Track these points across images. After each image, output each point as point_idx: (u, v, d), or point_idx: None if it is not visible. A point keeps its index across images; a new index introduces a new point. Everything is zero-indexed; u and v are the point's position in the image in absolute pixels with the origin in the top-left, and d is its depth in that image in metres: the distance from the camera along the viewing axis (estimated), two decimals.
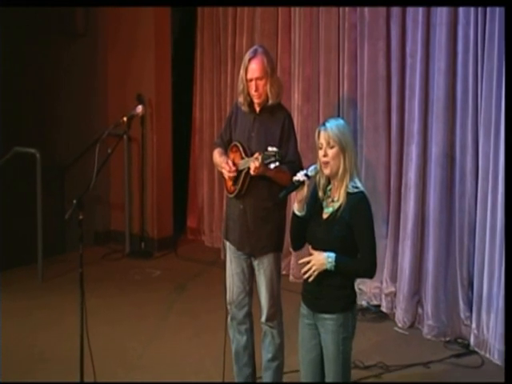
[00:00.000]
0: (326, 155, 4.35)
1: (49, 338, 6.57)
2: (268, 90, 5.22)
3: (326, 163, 4.35)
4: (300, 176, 4.44)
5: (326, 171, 4.37)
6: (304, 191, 4.43)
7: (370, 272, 4.42)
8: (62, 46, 8.52)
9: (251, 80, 5.23)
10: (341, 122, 4.44)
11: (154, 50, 8.39)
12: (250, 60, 5.24)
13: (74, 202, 5.13)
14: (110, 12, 8.50)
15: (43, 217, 7.73)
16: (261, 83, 5.22)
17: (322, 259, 4.31)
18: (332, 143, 4.34)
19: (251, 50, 5.32)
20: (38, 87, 8.46)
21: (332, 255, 4.30)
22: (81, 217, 5.14)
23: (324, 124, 4.40)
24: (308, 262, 4.36)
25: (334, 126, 4.37)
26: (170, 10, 8.47)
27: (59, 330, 6.63)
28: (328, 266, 4.30)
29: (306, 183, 4.43)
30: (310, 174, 4.43)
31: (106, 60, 8.61)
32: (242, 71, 5.28)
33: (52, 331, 6.69)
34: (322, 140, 4.36)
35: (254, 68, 5.22)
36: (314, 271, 4.33)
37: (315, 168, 4.45)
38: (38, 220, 7.72)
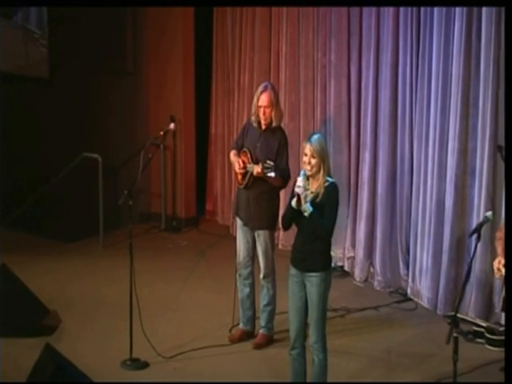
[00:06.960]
0: (310, 163, 4.27)
1: (107, 288, 6.51)
2: (273, 116, 5.22)
3: (309, 168, 4.28)
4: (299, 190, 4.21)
5: (308, 173, 4.30)
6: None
7: (327, 234, 4.29)
8: (117, 81, 8.44)
9: (261, 107, 5.21)
10: (320, 136, 4.36)
11: (181, 84, 8.30)
12: (261, 92, 5.22)
13: (125, 192, 5.13)
14: (149, 54, 8.41)
15: (103, 203, 7.65)
16: (268, 110, 5.20)
17: (304, 207, 4.20)
18: (315, 155, 4.26)
19: (263, 85, 5.30)
20: (98, 111, 8.40)
21: (311, 208, 4.20)
22: (130, 203, 5.12)
23: (310, 139, 4.30)
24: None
25: (317, 142, 4.28)
26: (194, 55, 8.39)
27: (114, 281, 6.53)
28: (305, 212, 4.19)
29: (301, 193, 4.22)
30: (300, 183, 4.23)
31: (148, 91, 8.52)
32: (255, 99, 5.25)
33: (109, 283, 6.61)
34: (307, 151, 4.28)
35: (264, 99, 5.20)
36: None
37: (303, 175, 4.28)
38: (99, 205, 7.64)
